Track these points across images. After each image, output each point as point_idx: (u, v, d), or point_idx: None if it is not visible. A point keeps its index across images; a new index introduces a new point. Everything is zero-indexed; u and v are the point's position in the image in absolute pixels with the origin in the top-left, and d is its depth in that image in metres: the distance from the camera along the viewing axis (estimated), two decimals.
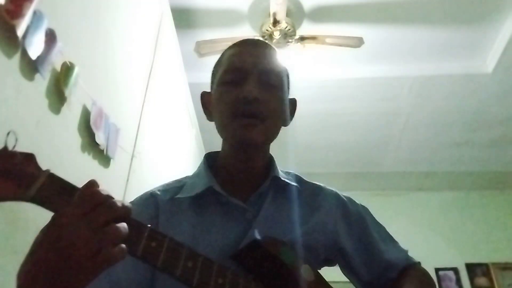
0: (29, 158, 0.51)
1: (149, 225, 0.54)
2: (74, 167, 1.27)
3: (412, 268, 0.82)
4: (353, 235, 0.81)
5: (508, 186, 4.24)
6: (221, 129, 0.77)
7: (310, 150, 4.01)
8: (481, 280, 3.76)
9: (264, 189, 0.76)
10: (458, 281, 3.77)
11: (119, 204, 0.50)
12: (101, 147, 1.42)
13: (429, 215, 4.16)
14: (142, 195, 0.79)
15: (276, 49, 0.83)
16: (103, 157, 1.47)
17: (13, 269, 0.85)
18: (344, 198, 0.86)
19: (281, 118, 0.80)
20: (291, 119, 0.85)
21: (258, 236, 0.67)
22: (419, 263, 0.85)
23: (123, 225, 0.49)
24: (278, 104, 0.77)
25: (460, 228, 4.04)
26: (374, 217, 0.87)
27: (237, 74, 0.75)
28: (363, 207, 0.88)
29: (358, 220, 0.83)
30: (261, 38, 0.84)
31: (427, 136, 3.75)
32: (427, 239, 3.93)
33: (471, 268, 3.81)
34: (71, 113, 1.26)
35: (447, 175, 4.25)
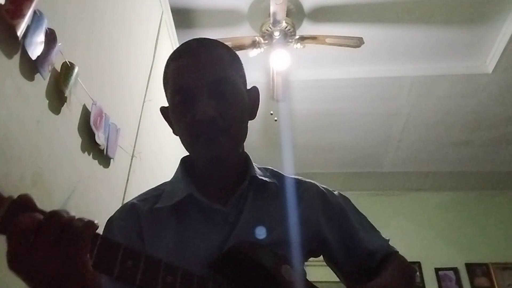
0: None
1: (123, 244, 0.53)
2: (74, 167, 1.27)
3: (392, 256, 0.83)
4: (334, 225, 0.81)
5: (508, 186, 4.23)
6: (187, 149, 0.76)
7: (310, 150, 4.01)
8: (481, 280, 3.76)
9: (243, 190, 0.76)
10: (458, 281, 3.76)
11: (79, 223, 0.49)
12: (101, 147, 1.42)
13: (429, 215, 4.16)
14: (122, 207, 0.78)
15: (218, 41, 0.79)
16: (103, 157, 1.47)
17: None
18: (323, 189, 0.85)
19: (244, 119, 0.78)
20: (257, 109, 0.82)
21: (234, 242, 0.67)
22: (397, 252, 0.86)
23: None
24: (237, 109, 0.74)
25: (460, 228, 4.04)
26: (354, 207, 0.88)
27: (185, 94, 0.72)
28: (343, 197, 0.88)
29: (338, 210, 0.83)
30: (212, 38, 0.78)
31: (427, 136, 3.75)
32: (427, 239, 3.92)
33: (471, 268, 3.81)
34: (71, 113, 1.26)
35: (447, 175, 4.25)
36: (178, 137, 0.79)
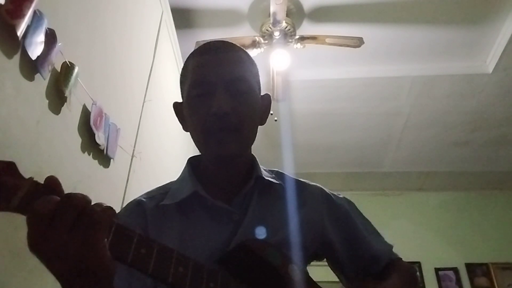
0: (10, 167, 0.48)
1: (138, 231, 0.53)
2: (74, 167, 1.27)
3: (396, 262, 0.84)
4: (339, 228, 0.82)
5: (508, 186, 4.24)
6: (197, 144, 0.78)
7: (310, 150, 4.01)
8: (481, 280, 3.76)
9: (248, 190, 0.77)
10: (458, 281, 3.77)
11: (98, 208, 0.49)
12: (101, 147, 1.42)
13: (429, 215, 4.17)
14: (128, 204, 0.79)
15: (239, 46, 0.82)
16: (103, 157, 1.47)
17: (13, 269, 0.85)
18: (328, 192, 0.86)
19: (256, 122, 0.80)
20: (266, 116, 0.85)
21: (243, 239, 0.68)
22: (401, 259, 0.87)
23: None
24: (250, 109, 0.76)
25: (460, 228, 4.04)
26: (359, 211, 0.88)
27: (204, 88, 0.74)
28: (348, 201, 0.88)
29: (343, 214, 0.84)
30: (226, 40, 0.81)
31: (427, 136, 3.75)
32: (427, 239, 3.93)
33: (471, 268, 3.81)
34: (71, 113, 1.26)
35: (447, 175, 4.25)
36: (187, 134, 0.80)
